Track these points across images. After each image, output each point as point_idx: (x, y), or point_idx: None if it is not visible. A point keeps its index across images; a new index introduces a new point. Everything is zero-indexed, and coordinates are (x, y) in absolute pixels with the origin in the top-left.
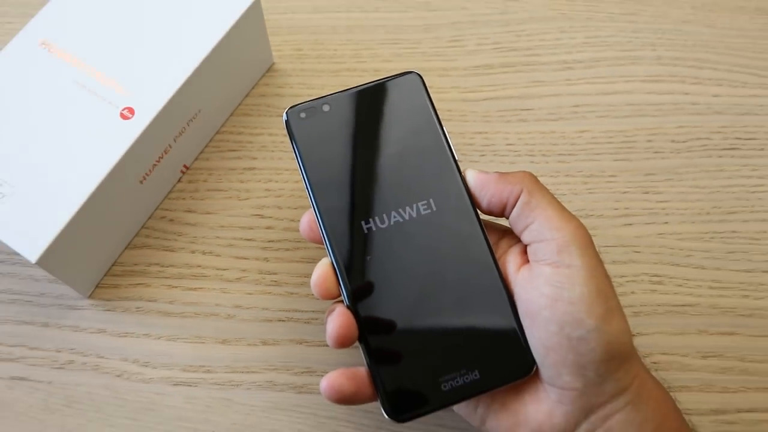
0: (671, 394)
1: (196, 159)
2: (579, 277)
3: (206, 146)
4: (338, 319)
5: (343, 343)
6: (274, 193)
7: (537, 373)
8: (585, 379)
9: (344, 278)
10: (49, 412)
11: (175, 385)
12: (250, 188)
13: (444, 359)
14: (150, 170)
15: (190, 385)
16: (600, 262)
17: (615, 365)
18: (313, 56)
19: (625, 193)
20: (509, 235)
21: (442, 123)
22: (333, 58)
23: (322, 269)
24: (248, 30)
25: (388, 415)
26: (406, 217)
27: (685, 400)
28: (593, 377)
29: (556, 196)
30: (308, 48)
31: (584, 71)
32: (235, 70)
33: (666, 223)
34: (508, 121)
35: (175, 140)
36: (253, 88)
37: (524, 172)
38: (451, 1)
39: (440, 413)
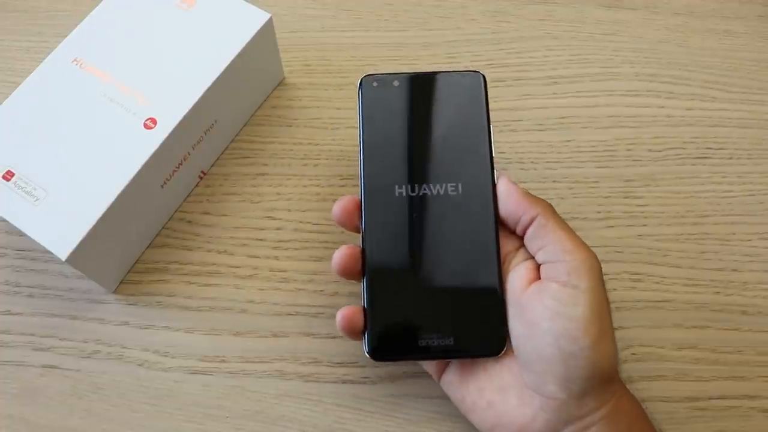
0: (645, 407)
1: (213, 165)
2: (582, 298)
3: (222, 154)
4: (346, 249)
5: (342, 268)
6: (284, 197)
7: (524, 380)
8: (569, 392)
9: (365, 222)
10: (77, 398)
11: (192, 373)
12: (262, 192)
13: (427, 319)
14: (170, 175)
15: (206, 374)
16: (604, 290)
17: (598, 383)
18: (321, 71)
19: (607, 197)
20: None
21: (491, 124)
22: (339, 73)
23: (348, 201)
24: (261, 47)
25: (367, 352)
26: (434, 192)
27: (661, 388)
28: (576, 391)
29: (547, 201)
30: (316, 64)
31: (569, 86)
32: (249, 84)
33: (645, 225)
34: (500, 131)
35: (193, 148)
36: (265, 100)
37: (545, 201)
38: (447, 21)
39: (440, 399)
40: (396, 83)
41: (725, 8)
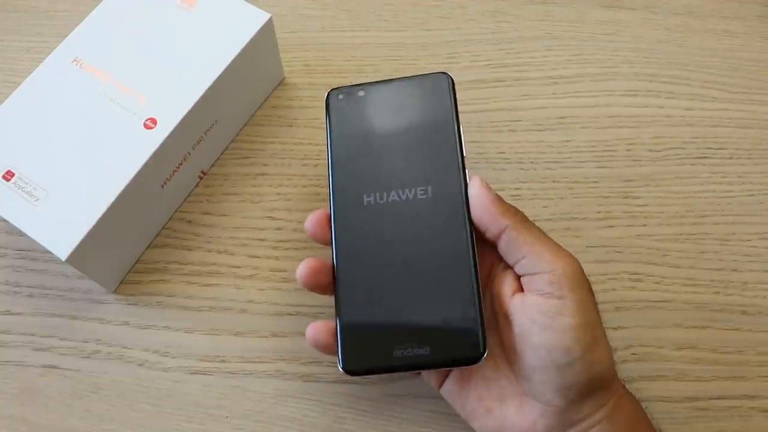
0: (644, 406)
1: (213, 165)
2: (569, 308)
3: (222, 154)
4: (310, 262)
5: (306, 282)
6: (284, 197)
7: (522, 388)
8: (567, 399)
9: (335, 234)
10: (77, 398)
11: (192, 373)
12: (262, 192)
13: (401, 329)
14: (170, 176)
15: (206, 374)
16: (589, 293)
17: (596, 387)
18: (321, 71)
19: (606, 197)
20: None
21: (460, 123)
22: (339, 73)
23: (320, 214)
24: (261, 47)
25: (341, 366)
26: (403, 198)
27: (661, 388)
28: (575, 397)
29: (547, 201)
30: (316, 64)
31: (568, 86)
32: (249, 84)
33: (644, 225)
34: (500, 131)
35: (193, 148)
36: (265, 100)
37: (514, 209)
38: (447, 21)
39: (440, 399)
40: (361, 93)
41: (725, 8)
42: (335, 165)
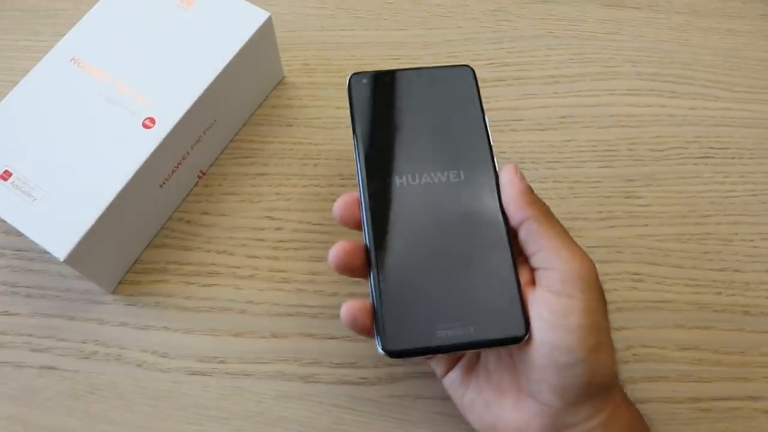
0: (645, 416)
1: (212, 165)
2: (577, 308)
3: (221, 153)
4: (344, 244)
5: (343, 264)
6: (284, 197)
7: (521, 385)
8: (564, 401)
9: (368, 215)
10: (75, 399)
11: (191, 374)
12: (262, 192)
13: (444, 308)
14: (169, 175)
15: (206, 375)
16: (600, 297)
17: (594, 392)
18: (321, 70)
19: (608, 197)
20: None
21: (485, 114)
22: (339, 73)
23: (349, 198)
24: (261, 46)
25: (382, 348)
26: (436, 180)
27: (663, 389)
28: (572, 399)
29: (548, 201)
30: (316, 63)
31: (570, 85)
32: (248, 83)
33: (646, 225)
34: (501, 130)
35: (192, 148)
36: (264, 99)
37: (541, 202)
38: (448, 20)
39: (440, 399)
40: (386, 79)
41: (727, 7)
42: (363, 147)
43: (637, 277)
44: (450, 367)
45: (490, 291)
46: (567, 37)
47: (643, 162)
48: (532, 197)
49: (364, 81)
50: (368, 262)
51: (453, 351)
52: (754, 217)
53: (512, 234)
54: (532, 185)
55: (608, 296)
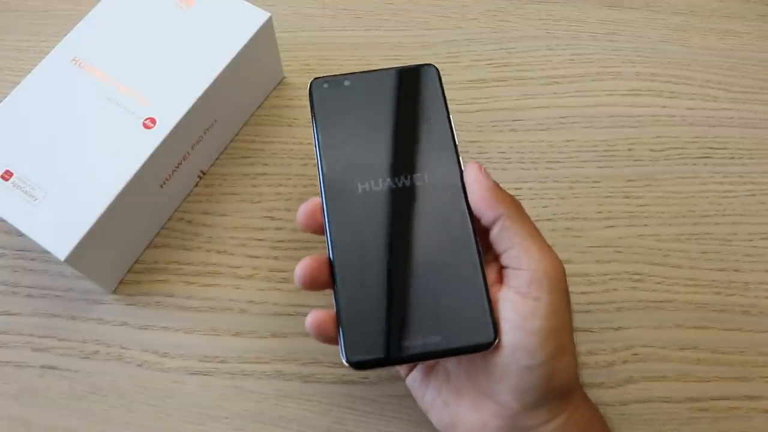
0: (606, 418)
1: (212, 165)
2: (541, 311)
3: (222, 153)
4: (310, 260)
5: (310, 280)
6: (284, 197)
7: (479, 386)
8: (523, 403)
9: (329, 223)
10: (76, 398)
11: (191, 374)
12: (262, 192)
13: (409, 316)
14: (170, 175)
15: (206, 374)
16: (565, 300)
17: (553, 396)
18: (320, 71)
19: (608, 197)
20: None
21: (450, 114)
22: (338, 73)
23: (312, 205)
24: (261, 47)
25: (346, 361)
26: (399, 184)
27: (663, 388)
28: (530, 402)
29: (548, 201)
30: (316, 63)
31: (570, 85)
32: (248, 84)
33: (645, 225)
34: (501, 131)
35: (192, 148)
36: (265, 100)
37: (511, 197)
38: (448, 21)
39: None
40: (347, 83)
41: (726, 7)
42: (324, 153)
43: (636, 277)
44: (412, 368)
45: (458, 297)
46: (567, 37)
47: (643, 162)
48: (501, 194)
49: (325, 85)
50: (331, 272)
51: (419, 360)
52: (753, 217)
53: (482, 233)
54: (532, 185)
55: (607, 296)
